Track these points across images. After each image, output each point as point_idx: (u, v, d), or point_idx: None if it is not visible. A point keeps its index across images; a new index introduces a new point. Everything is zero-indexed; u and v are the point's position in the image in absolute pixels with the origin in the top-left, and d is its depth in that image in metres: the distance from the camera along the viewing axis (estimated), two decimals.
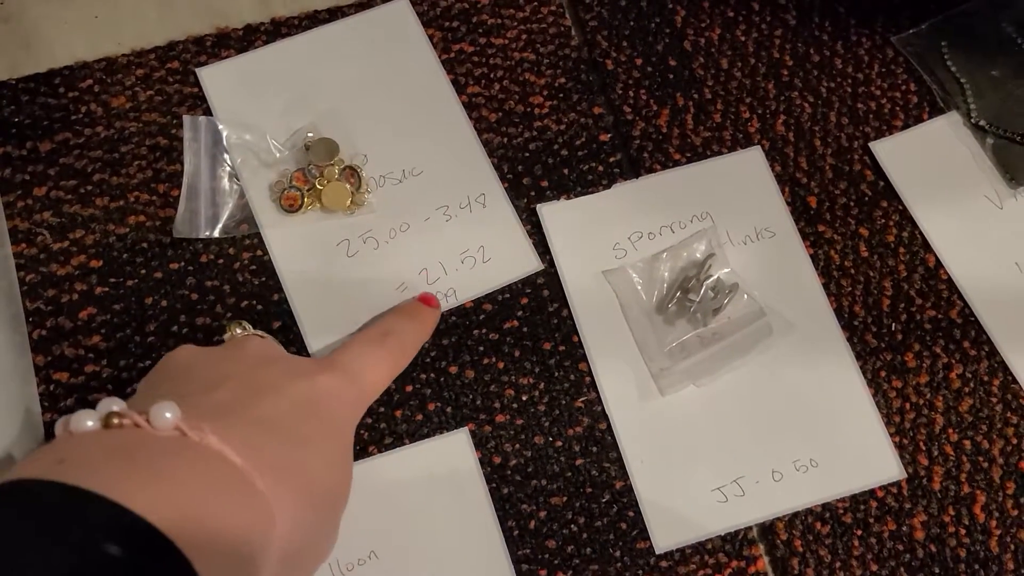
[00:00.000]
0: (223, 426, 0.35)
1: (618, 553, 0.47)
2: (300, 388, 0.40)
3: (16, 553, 0.27)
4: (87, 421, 0.34)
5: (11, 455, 0.45)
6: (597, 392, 0.49)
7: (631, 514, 0.47)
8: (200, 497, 0.31)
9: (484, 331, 0.51)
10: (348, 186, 0.52)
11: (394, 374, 0.46)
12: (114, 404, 0.35)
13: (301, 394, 0.40)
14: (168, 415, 0.34)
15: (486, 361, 0.50)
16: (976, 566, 0.47)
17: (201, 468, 0.33)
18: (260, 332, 0.48)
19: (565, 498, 0.48)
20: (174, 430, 0.34)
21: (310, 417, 0.39)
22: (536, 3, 0.57)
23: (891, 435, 0.49)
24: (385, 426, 0.49)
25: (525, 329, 0.51)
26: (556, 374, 0.50)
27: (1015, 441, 0.49)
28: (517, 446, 0.49)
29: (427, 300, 0.49)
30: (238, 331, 0.47)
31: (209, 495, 0.32)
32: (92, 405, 0.36)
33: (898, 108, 0.55)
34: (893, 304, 0.51)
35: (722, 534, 0.47)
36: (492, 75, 0.56)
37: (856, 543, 0.47)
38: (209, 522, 0.31)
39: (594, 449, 0.49)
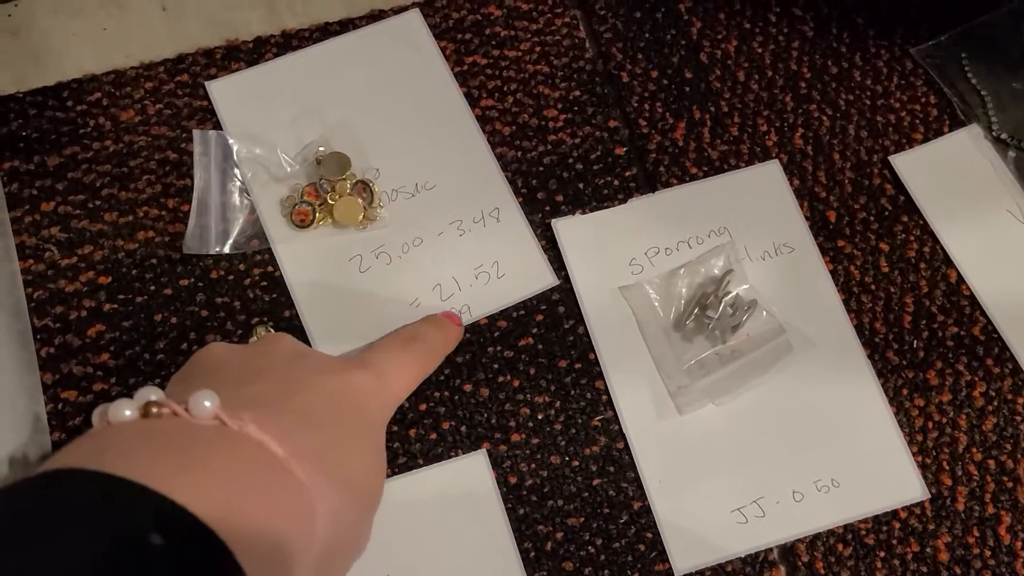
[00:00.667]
0: (261, 416, 0.34)
1: (636, 575, 0.46)
2: (334, 383, 0.40)
3: (57, 542, 0.26)
4: (125, 411, 0.33)
5: (19, 474, 0.44)
6: (614, 411, 0.49)
7: (649, 535, 0.47)
8: (241, 487, 0.31)
9: (499, 348, 0.50)
10: (360, 200, 0.51)
11: (421, 378, 0.46)
12: (152, 393, 0.34)
13: (335, 389, 0.39)
14: (207, 404, 0.33)
15: (501, 379, 0.49)
16: None
17: (241, 458, 0.33)
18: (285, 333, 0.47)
19: (582, 519, 0.47)
20: (213, 419, 0.33)
21: (344, 412, 0.39)
22: (550, 15, 0.57)
23: (914, 454, 0.48)
24: (399, 445, 0.48)
25: (540, 346, 0.50)
26: (572, 392, 0.49)
27: None
28: (533, 466, 0.48)
29: (451, 318, 0.49)
30: (262, 332, 0.47)
31: (250, 485, 0.32)
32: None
33: (918, 121, 0.54)
34: (914, 320, 0.50)
35: (742, 556, 0.46)
36: (505, 88, 0.55)
37: (879, 565, 0.46)
38: (250, 512, 0.30)
39: (611, 469, 0.48)
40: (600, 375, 0.49)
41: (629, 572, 0.46)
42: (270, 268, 0.51)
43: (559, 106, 0.55)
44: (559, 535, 0.47)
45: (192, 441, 0.32)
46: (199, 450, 0.32)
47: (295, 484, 0.33)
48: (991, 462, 0.48)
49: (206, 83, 0.55)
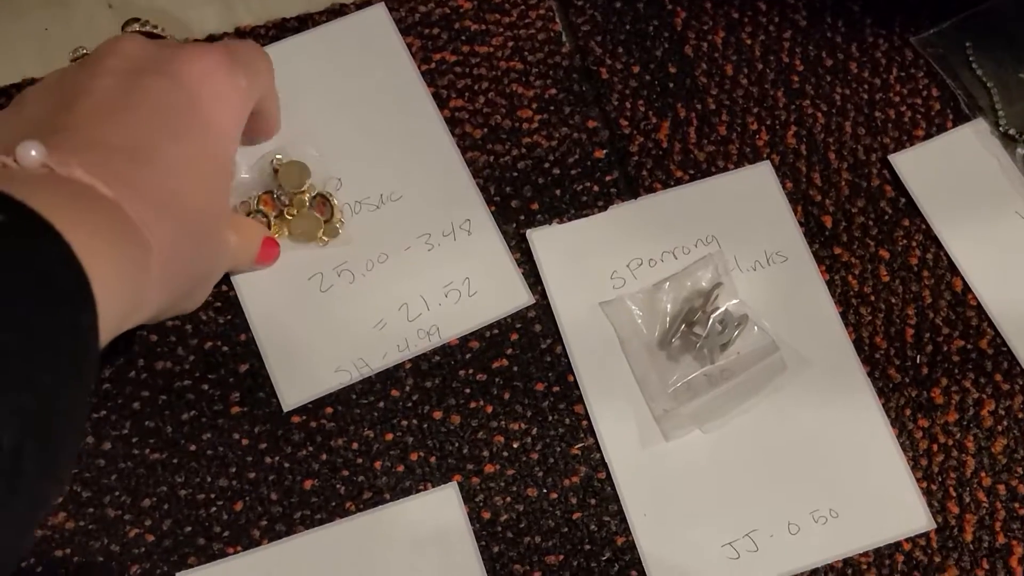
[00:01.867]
0: (91, 157, 0.34)
1: None
2: (174, 94, 0.39)
3: None
4: None
5: None
6: (595, 438, 0.45)
7: (634, 573, 0.44)
8: (74, 232, 0.30)
9: (471, 371, 0.46)
10: (319, 216, 0.47)
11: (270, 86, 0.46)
12: None
13: (174, 102, 0.38)
14: (33, 153, 0.32)
15: (473, 405, 0.46)
16: None
17: (72, 203, 0.32)
18: (154, 27, 0.45)
19: (562, 556, 0.44)
20: (42, 168, 0.32)
21: (185, 128, 0.38)
22: (523, 7, 0.53)
23: (918, 480, 0.45)
24: (364, 479, 0.45)
25: (515, 368, 0.46)
26: (550, 418, 0.46)
27: None
28: (508, 499, 0.45)
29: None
30: (136, 27, 0.44)
31: (83, 229, 0.30)
32: None
33: (919, 116, 0.51)
34: (918, 334, 0.47)
35: None
36: (476, 87, 0.51)
37: None
38: (86, 258, 0.29)
39: (592, 501, 0.45)
40: (580, 399, 0.46)
41: None
42: (224, 287, 0.48)
43: (534, 106, 0.51)
44: (537, 575, 0.43)
45: (24, 191, 0.31)
46: (31, 200, 0.30)
47: (128, 225, 0.33)
48: (1001, 487, 0.45)
49: None
